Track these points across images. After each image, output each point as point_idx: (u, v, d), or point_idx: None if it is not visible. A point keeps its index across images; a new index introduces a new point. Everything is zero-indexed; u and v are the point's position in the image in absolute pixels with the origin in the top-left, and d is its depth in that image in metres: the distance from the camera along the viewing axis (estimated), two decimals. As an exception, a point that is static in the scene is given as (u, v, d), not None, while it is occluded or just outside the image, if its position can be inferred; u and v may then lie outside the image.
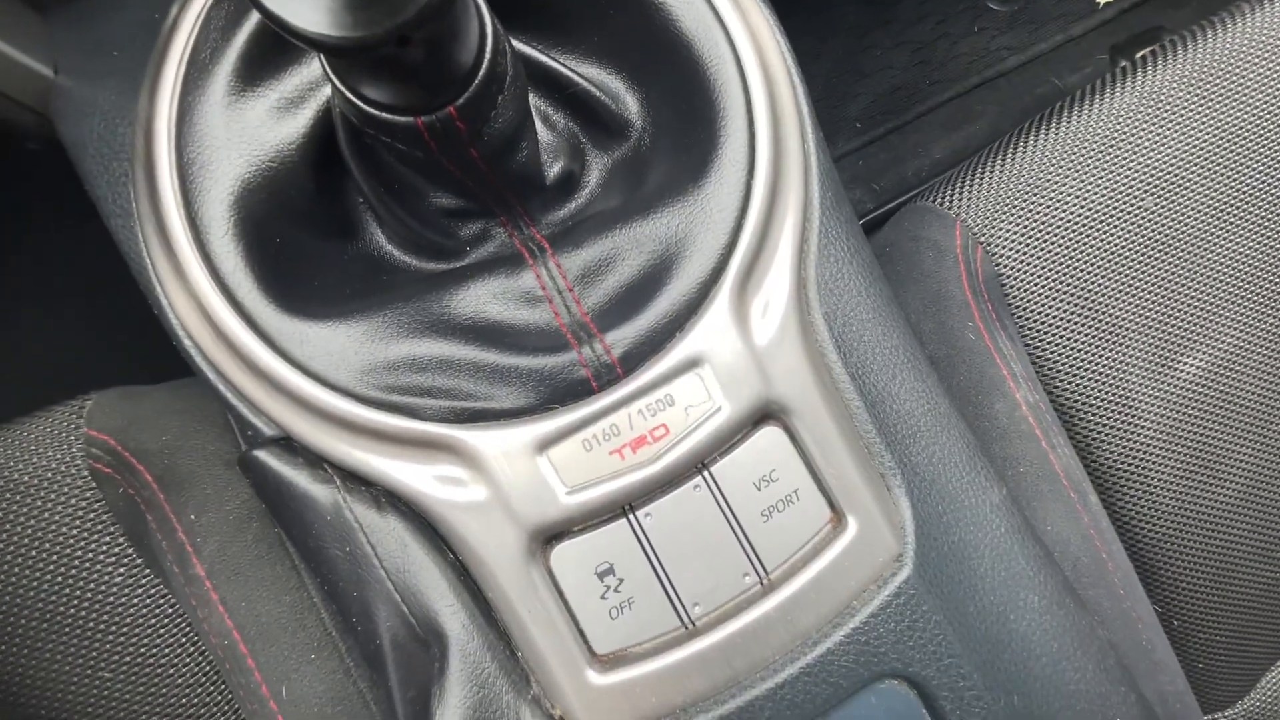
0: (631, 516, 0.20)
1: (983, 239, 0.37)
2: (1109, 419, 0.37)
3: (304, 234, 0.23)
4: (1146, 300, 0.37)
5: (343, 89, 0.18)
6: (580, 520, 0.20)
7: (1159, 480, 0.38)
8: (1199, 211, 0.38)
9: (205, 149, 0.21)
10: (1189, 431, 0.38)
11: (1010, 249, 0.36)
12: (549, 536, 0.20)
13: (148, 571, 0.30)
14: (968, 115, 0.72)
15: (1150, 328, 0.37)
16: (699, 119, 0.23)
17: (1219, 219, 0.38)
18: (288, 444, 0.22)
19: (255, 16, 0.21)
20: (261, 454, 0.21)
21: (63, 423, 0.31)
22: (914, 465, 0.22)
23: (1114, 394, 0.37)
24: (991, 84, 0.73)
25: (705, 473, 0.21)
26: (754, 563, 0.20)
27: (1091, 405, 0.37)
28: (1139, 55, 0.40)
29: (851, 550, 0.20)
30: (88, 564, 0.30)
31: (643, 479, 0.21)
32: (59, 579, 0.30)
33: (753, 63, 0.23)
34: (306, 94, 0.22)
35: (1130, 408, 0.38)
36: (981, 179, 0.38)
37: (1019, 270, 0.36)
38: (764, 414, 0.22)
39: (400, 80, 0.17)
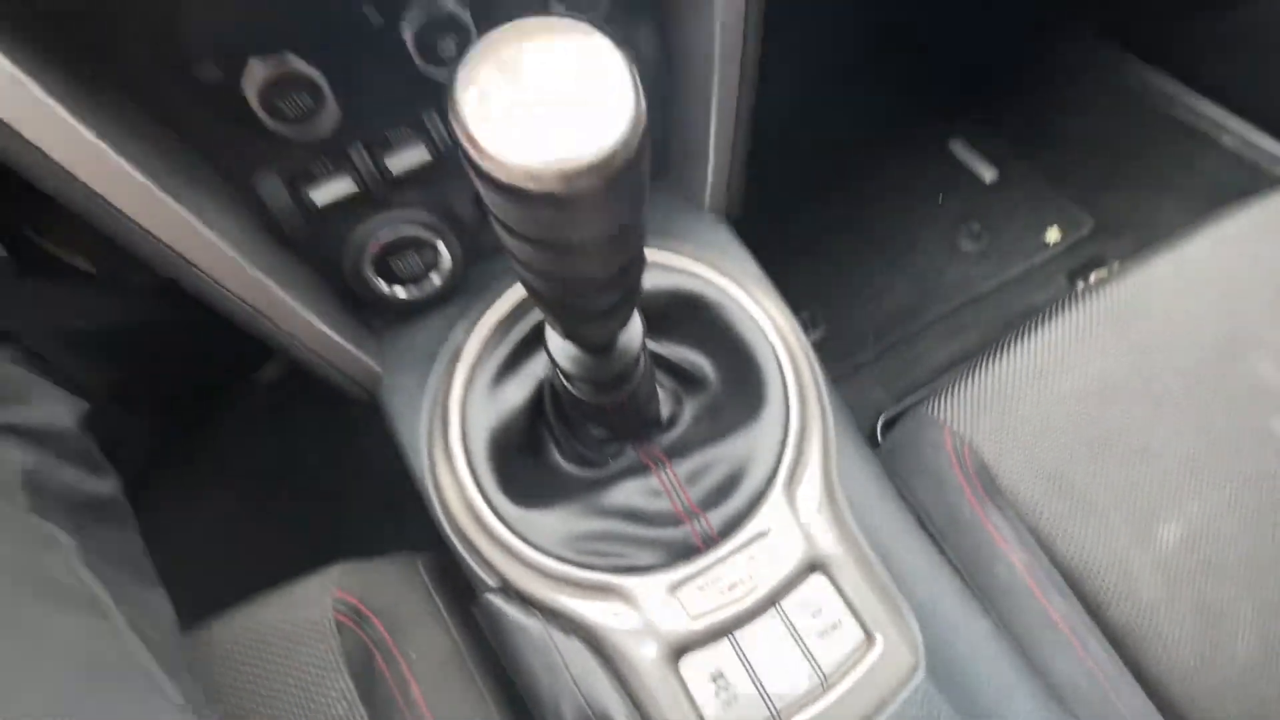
0: (732, 637, 0.32)
1: (967, 437, 0.49)
2: (1110, 582, 0.45)
3: (520, 455, 0.39)
4: (1113, 480, 0.47)
5: (568, 386, 0.34)
6: (700, 640, 0.32)
7: (1173, 638, 0.44)
8: (1144, 405, 0.49)
9: (475, 412, 0.38)
10: (1187, 592, 0.45)
11: (990, 442, 0.49)
12: (679, 651, 0.31)
13: (363, 706, 0.40)
14: (961, 327, 0.90)
15: (1123, 502, 0.47)
16: (751, 382, 0.39)
17: (1161, 411, 0.49)
18: (506, 590, 0.35)
19: (511, 341, 0.39)
20: (491, 597, 0.34)
21: (319, 586, 0.44)
22: (919, 600, 0.32)
23: (1109, 560, 0.45)
24: (975, 303, 0.92)
25: (777, 606, 0.32)
26: (815, 669, 0.31)
27: (1091, 570, 0.45)
28: (1090, 278, 0.55)
29: (881, 662, 0.31)
30: (320, 697, 0.41)
31: (738, 611, 0.32)
32: (297, 708, 0.41)
33: (781, 348, 0.40)
34: (532, 379, 0.39)
35: (1126, 572, 0.45)
36: (963, 390, 0.52)
37: (999, 458, 0.48)
38: (812, 565, 0.33)
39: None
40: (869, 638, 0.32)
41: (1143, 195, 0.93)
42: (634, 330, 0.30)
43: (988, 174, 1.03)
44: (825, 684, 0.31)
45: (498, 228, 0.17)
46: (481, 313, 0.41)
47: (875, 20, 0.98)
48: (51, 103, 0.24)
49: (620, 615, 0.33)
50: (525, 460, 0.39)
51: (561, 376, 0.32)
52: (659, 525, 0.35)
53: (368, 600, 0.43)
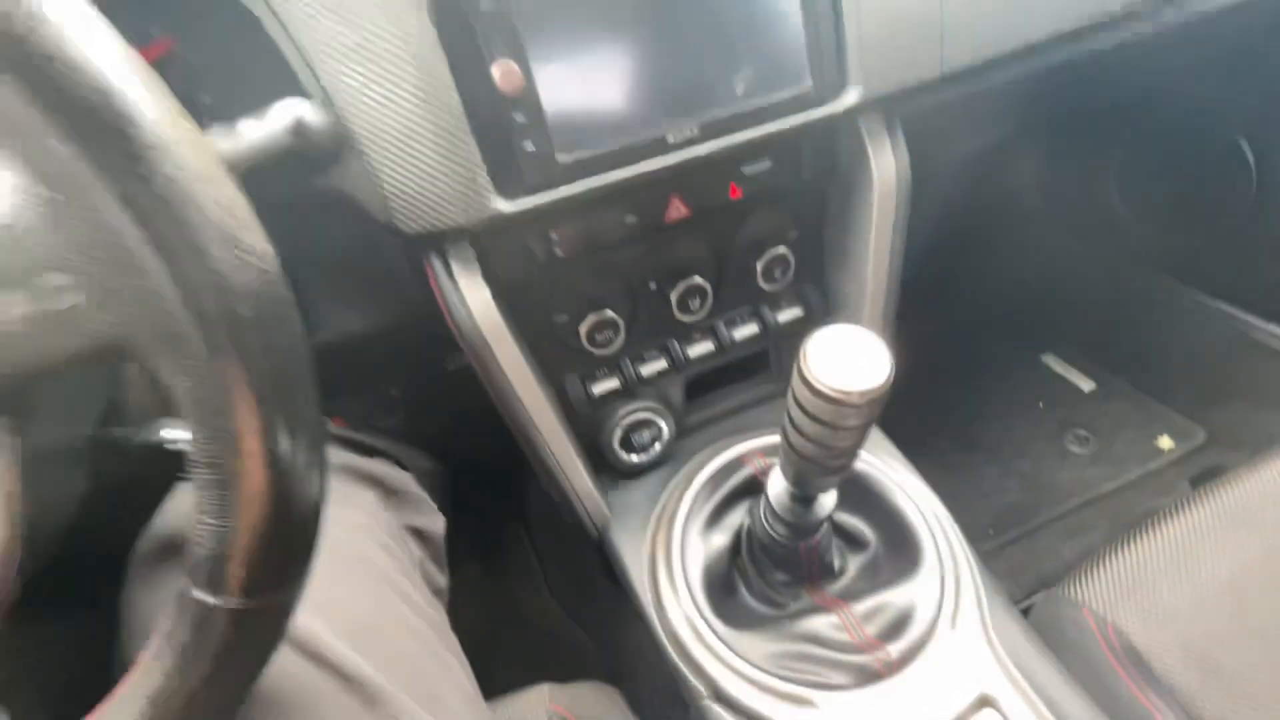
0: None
1: (1109, 618, 0.54)
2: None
3: (717, 592, 0.50)
4: (1275, 672, 0.49)
5: (770, 530, 0.46)
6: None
7: None
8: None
9: (689, 557, 0.50)
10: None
11: (1136, 625, 0.53)
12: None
13: None
14: (1082, 525, 0.93)
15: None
16: (906, 544, 0.49)
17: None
18: (717, 697, 0.43)
19: (715, 499, 0.53)
20: (710, 703, 0.43)
21: (536, 698, 0.53)
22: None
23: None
24: (1094, 504, 0.96)
25: (955, 732, 0.39)
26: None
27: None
28: (1212, 483, 0.61)
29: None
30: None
31: (921, 733, 0.39)
32: None
33: (930, 517, 0.50)
34: (730, 530, 0.52)
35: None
36: (1100, 572, 0.57)
37: (1149, 642, 0.52)
38: (984, 701, 0.40)
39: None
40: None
41: (1252, 409, 0.98)
42: (831, 492, 0.43)
43: (1085, 384, 1.13)
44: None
45: (803, 418, 0.32)
46: (693, 475, 0.55)
47: (958, 240, 1.16)
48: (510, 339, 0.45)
49: (819, 725, 0.40)
50: (722, 596, 0.50)
51: (771, 520, 0.45)
52: (845, 652, 0.43)
53: (578, 714, 0.52)
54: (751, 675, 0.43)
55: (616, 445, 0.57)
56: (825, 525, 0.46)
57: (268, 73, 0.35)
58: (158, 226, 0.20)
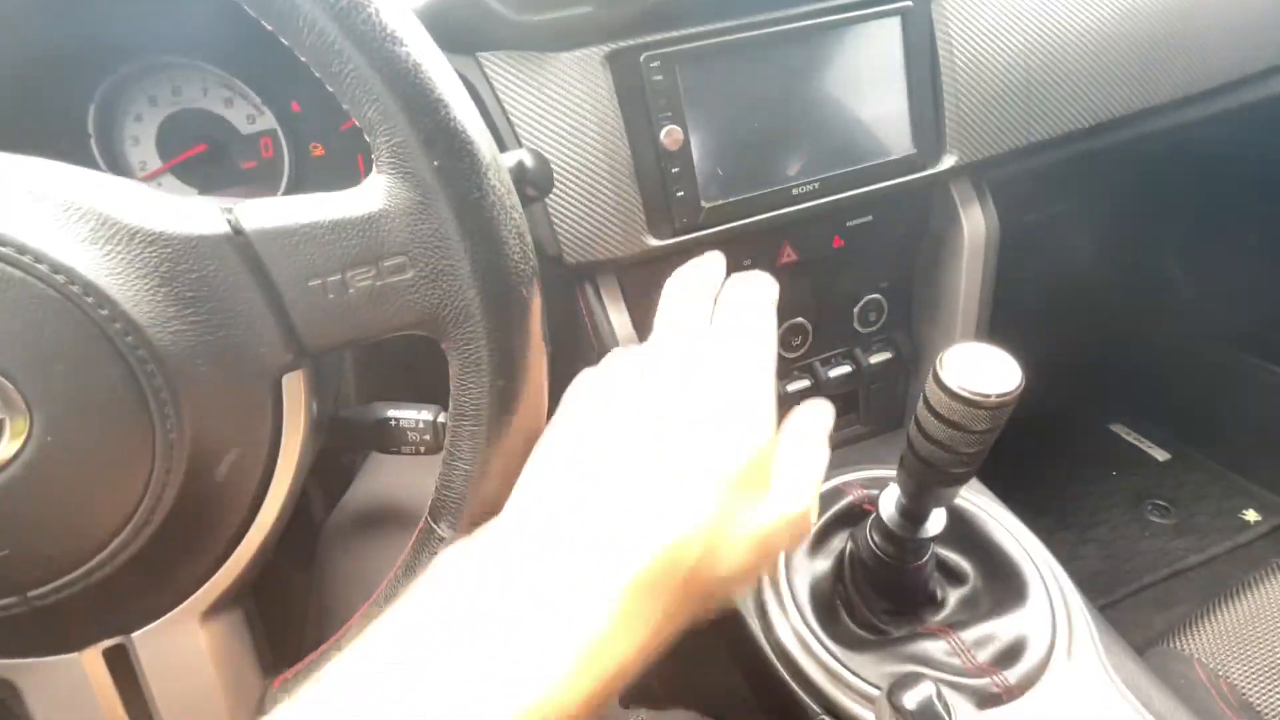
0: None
1: (1221, 672, 0.53)
2: None
3: (827, 613, 0.51)
4: None
5: (878, 550, 0.48)
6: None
7: None
8: None
9: (795, 579, 0.52)
10: None
11: (1250, 679, 0.52)
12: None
13: None
14: (1173, 598, 0.89)
15: None
16: (1009, 579, 0.51)
17: None
18: (832, 714, 0.44)
19: (822, 520, 0.55)
20: (824, 718, 0.44)
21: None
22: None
23: None
24: (1182, 575, 0.92)
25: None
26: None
27: None
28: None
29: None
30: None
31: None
32: None
33: (1035, 553, 0.52)
34: (833, 554, 0.54)
35: None
36: (1209, 624, 0.57)
37: (1266, 696, 0.51)
38: (1107, 729, 0.40)
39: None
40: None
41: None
42: (942, 513, 0.45)
43: (1159, 454, 1.11)
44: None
45: (935, 423, 0.36)
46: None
47: (1030, 305, 1.20)
48: None
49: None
50: (827, 619, 0.51)
51: (879, 540, 0.47)
52: (961, 675, 0.44)
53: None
54: (868, 692, 0.44)
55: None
56: (930, 552, 0.48)
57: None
58: (481, 225, 0.26)
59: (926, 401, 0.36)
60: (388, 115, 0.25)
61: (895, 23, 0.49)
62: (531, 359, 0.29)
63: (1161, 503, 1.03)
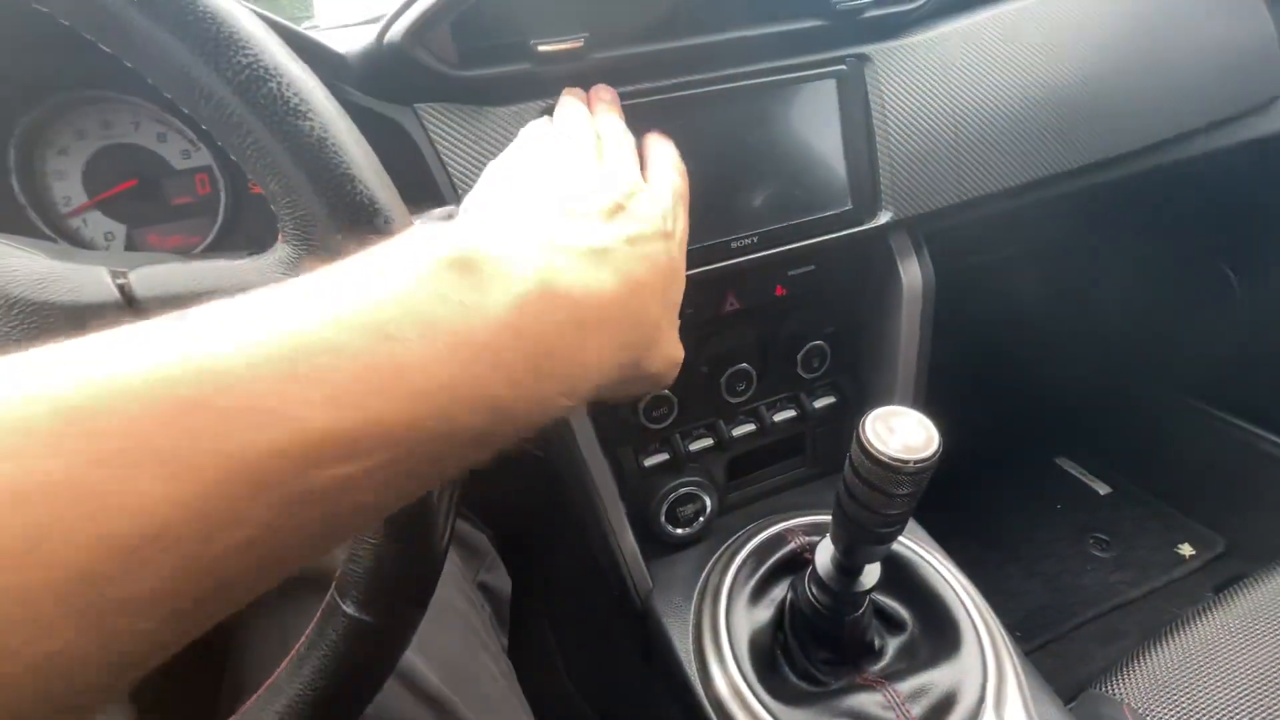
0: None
1: (1148, 716, 0.54)
2: None
3: (766, 664, 0.51)
4: None
5: (815, 602, 0.48)
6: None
7: None
8: None
9: (734, 630, 0.52)
10: None
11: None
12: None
13: None
14: (1114, 631, 0.92)
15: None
16: (945, 628, 0.51)
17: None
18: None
19: (759, 575, 0.55)
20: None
21: None
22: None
23: None
24: (1124, 609, 0.95)
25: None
26: None
27: None
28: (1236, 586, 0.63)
29: None
30: None
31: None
32: None
33: (969, 602, 0.52)
34: (773, 605, 0.54)
35: None
36: (1137, 669, 0.58)
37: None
38: (1032, 786, 0.41)
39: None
40: None
41: (1269, 519, 1.00)
42: (876, 566, 0.46)
43: (1100, 488, 1.15)
44: None
45: (859, 485, 0.36)
46: (736, 551, 0.58)
47: (974, 345, 1.23)
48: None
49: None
50: (766, 671, 0.51)
51: (816, 592, 0.48)
52: (893, 730, 0.44)
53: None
54: (805, 750, 0.44)
55: (663, 517, 0.60)
56: (868, 602, 0.48)
57: (408, 185, 0.43)
58: None
59: (852, 465, 0.37)
60: (291, 189, 0.24)
61: (831, 85, 0.50)
62: None
63: (1103, 536, 1.06)
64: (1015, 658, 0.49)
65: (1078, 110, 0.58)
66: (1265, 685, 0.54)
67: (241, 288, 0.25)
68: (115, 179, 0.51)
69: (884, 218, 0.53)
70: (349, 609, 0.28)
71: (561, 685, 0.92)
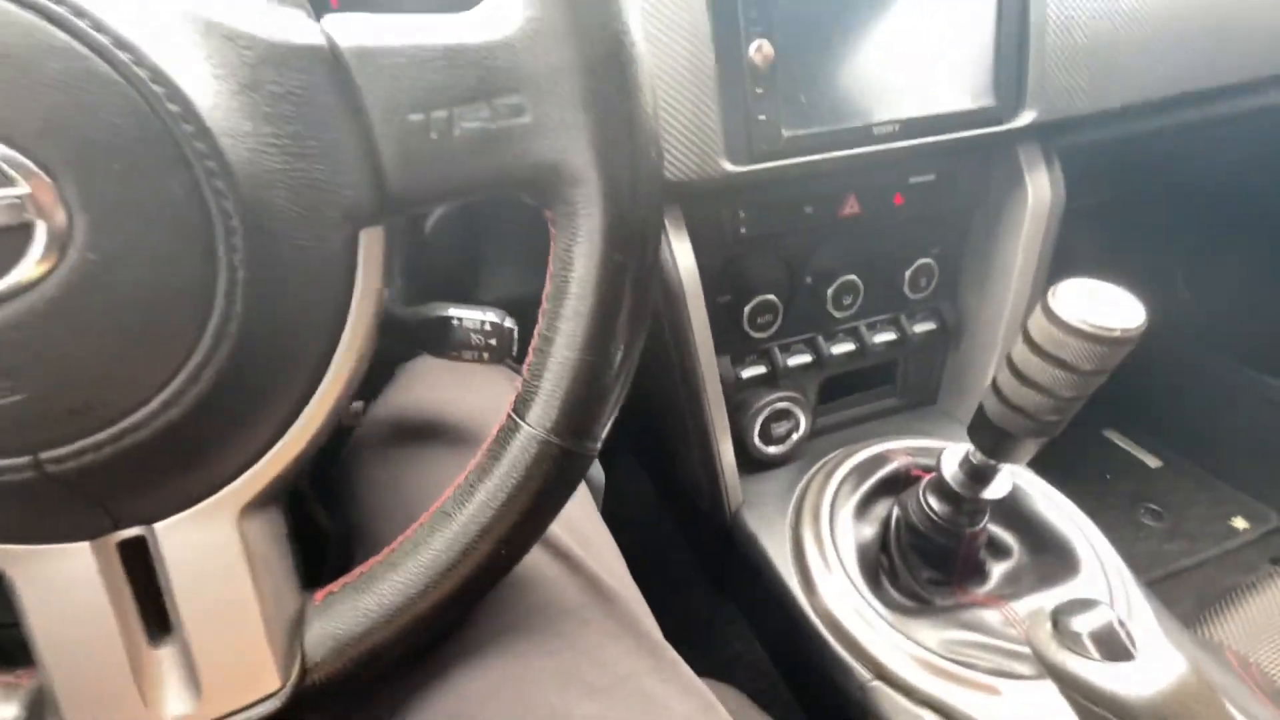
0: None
1: (1250, 658, 0.53)
2: None
3: (871, 580, 0.49)
4: None
5: (933, 515, 0.46)
6: None
7: None
8: None
9: (840, 541, 0.50)
10: None
11: (1276, 666, 0.51)
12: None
13: None
14: (1169, 598, 0.90)
15: None
16: (1060, 551, 0.49)
17: None
18: (884, 680, 0.42)
19: (861, 491, 0.53)
20: (878, 683, 0.42)
21: None
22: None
23: None
24: (1177, 576, 0.94)
25: None
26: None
27: None
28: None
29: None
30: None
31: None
32: None
33: (1084, 528, 0.50)
34: (876, 521, 0.52)
35: None
36: (1231, 618, 0.56)
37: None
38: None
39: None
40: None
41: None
42: (1008, 474, 0.43)
43: (1151, 461, 1.13)
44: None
45: (1038, 363, 0.33)
46: (833, 470, 0.55)
47: None
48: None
49: (1004, 715, 0.39)
50: (874, 585, 0.49)
51: (936, 502, 0.45)
52: (1022, 644, 0.42)
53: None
54: (925, 658, 0.42)
55: (755, 432, 0.57)
56: (987, 517, 0.46)
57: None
58: (609, 72, 0.23)
59: (1029, 338, 0.34)
60: None
61: (991, -34, 0.47)
62: (649, 236, 0.25)
63: (1155, 507, 1.05)
64: (1136, 584, 0.47)
65: (1233, 26, 0.54)
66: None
67: (454, 41, 0.22)
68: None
69: (1026, 118, 0.50)
70: (531, 427, 0.25)
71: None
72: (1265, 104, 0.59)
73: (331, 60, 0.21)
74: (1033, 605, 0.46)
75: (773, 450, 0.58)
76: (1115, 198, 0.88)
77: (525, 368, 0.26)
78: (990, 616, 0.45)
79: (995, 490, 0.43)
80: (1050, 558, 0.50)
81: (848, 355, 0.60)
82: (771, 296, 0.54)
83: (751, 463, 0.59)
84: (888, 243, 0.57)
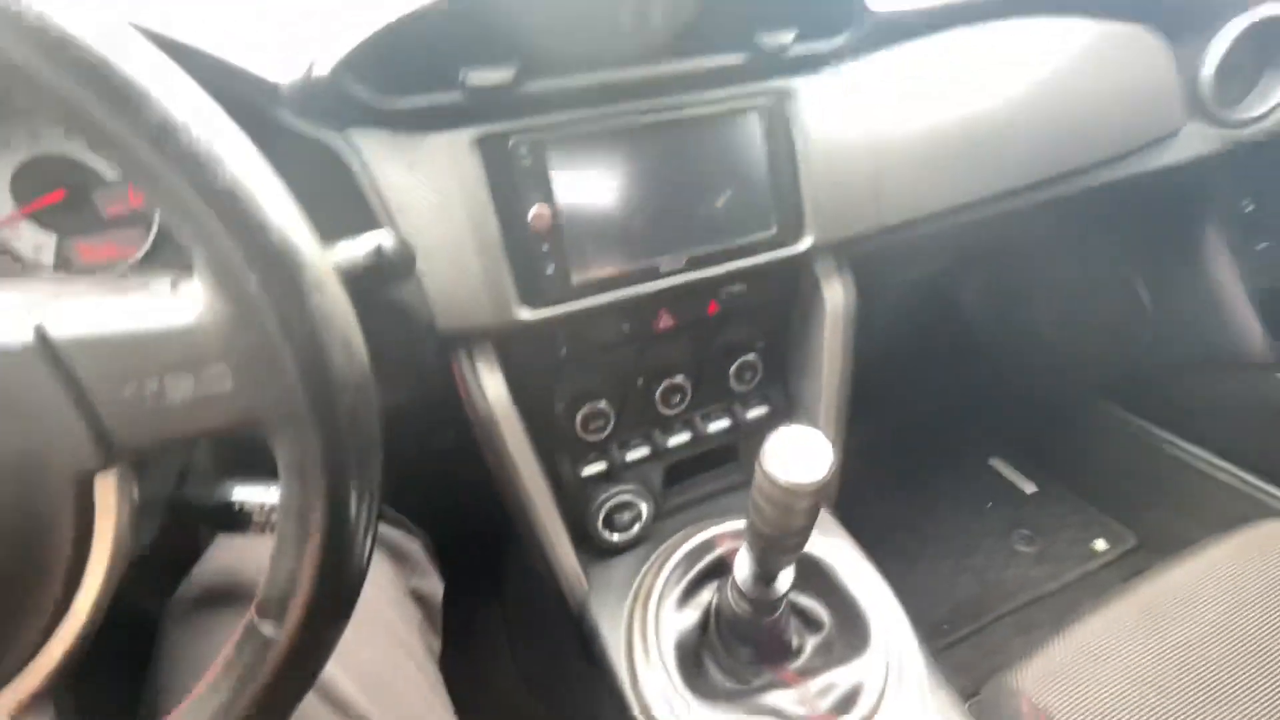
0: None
1: (1043, 706, 0.59)
2: None
3: (692, 664, 0.54)
4: None
5: (735, 607, 0.51)
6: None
7: None
8: (1195, 694, 0.58)
9: (663, 632, 0.55)
10: None
11: (1065, 715, 0.58)
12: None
13: None
14: (1031, 622, 0.98)
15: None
16: (856, 624, 0.55)
17: (1212, 701, 0.58)
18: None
19: (687, 578, 0.58)
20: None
21: None
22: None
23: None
24: (1041, 601, 1.02)
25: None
26: None
27: None
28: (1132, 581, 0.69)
29: None
30: None
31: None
32: None
33: (880, 602, 0.56)
34: (699, 608, 0.57)
35: None
36: (1037, 664, 0.63)
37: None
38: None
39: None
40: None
41: (1175, 517, 1.08)
42: (789, 572, 0.49)
43: (1028, 487, 1.22)
44: None
45: (764, 504, 0.39)
46: (668, 556, 0.61)
47: (914, 351, 1.28)
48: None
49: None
50: (692, 671, 0.54)
51: (736, 597, 0.51)
52: (803, 723, 0.48)
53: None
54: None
55: (600, 524, 0.62)
56: (784, 604, 0.52)
57: (344, 206, 0.44)
58: (306, 338, 0.27)
59: (756, 487, 0.39)
60: (206, 234, 0.25)
61: (755, 117, 0.53)
62: (367, 460, 0.30)
63: (1027, 532, 1.13)
64: (921, 654, 0.54)
65: (991, 141, 0.62)
66: (1157, 673, 0.59)
67: (157, 326, 0.27)
68: (45, 189, 0.51)
69: (806, 243, 0.56)
70: (266, 630, 0.29)
71: (510, 683, 0.94)
72: (1037, 201, 0.67)
73: (45, 354, 0.25)
74: (826, 682, 0.52)
75: (618, 538, 0.63)
76: (959, 260, 0.96)
77: (266, 572, 0.30)
78: (787, 697, 0.51)
79: (780, 587, 0.49)
80: (851, 630, 0.56)
81: (685, 445, 0.65)
82: (602, 404, 0.59)
83: (599, 551, 0.63)
84: (710, 344, 0.63)
